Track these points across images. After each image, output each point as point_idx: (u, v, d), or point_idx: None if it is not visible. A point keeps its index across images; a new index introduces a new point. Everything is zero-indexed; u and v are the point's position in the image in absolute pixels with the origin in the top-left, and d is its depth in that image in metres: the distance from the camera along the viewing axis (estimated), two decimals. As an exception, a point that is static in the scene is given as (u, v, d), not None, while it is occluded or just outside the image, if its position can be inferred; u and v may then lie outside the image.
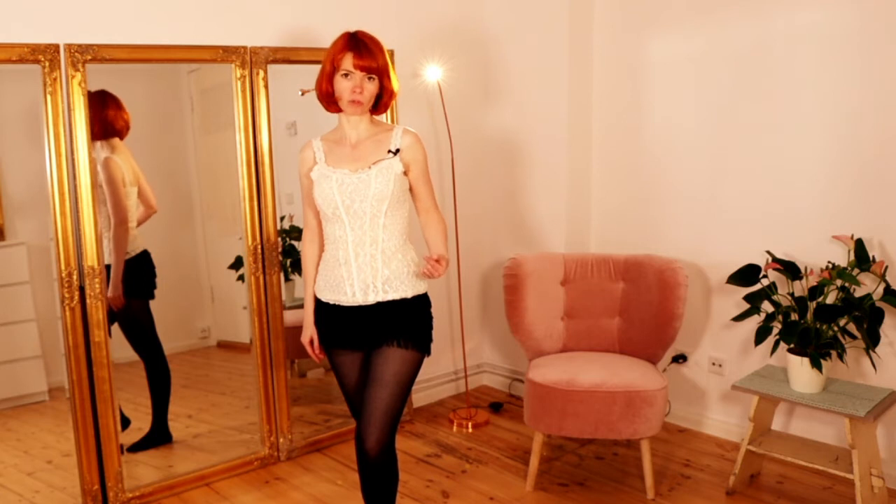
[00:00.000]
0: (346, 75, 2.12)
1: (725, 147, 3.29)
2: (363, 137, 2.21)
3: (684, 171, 3.44)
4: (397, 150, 2.18)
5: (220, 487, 3.09)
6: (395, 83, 2.20)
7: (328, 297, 2.25)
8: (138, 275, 3.10)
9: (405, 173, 2.20)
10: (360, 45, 2.12)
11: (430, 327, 2.29)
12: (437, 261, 2.08)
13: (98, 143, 2.94)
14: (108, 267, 2.90)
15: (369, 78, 2.13)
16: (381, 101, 2.20)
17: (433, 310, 2.32)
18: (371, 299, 2.18)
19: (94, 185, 2.74)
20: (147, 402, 3.20)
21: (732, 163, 3.27)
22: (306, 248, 2.35)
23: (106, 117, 2.93)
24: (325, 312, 2.27)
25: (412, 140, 2.21)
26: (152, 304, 3.16)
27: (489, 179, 4.07)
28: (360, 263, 2.17)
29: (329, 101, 2.19)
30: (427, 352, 2.27)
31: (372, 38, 2.15)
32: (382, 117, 2.35)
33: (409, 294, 2.21)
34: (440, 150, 3.78)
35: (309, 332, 2.33)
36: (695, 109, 3.38)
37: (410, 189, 2.25)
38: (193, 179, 3.36)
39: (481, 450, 3.42)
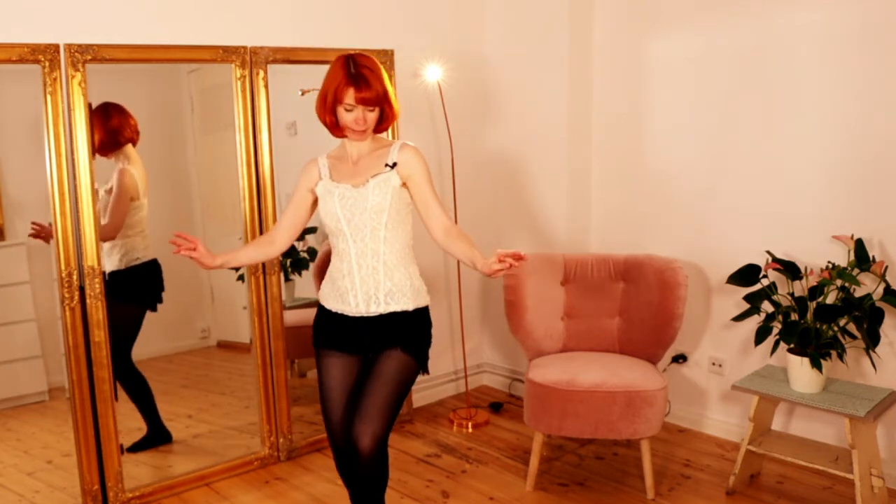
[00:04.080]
0: (348, 108, 2.14)
1: (725, 147, 3.29)
2: (364, 154, 2.25)
3: (684, 171, 3.44)
4: (394, 164, 2.20)
5: (220, 487, 3.09)
6: (396, 106, 2.22)
7: (333, 306, 2.28)
8: (141, 283, 3.09)
9: (404, 185, 2.21)
10: (360, 79, 2.11)
11: (429, 343, 2.31)
12: (515, 257, 1.99)
13: (112, 156, 2.93)
14: (111, 273, 2.90)
15: (370, 109, 2.16)
16: (382, 125, 2.23)
17: (433, 317, 2.34)
18: (373, 310, 2.22)
19: (94, 185, 2.73)
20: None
21: (732, 162, 3.27)
22: (259, 238, 2.45)
23: (111, 127, 2.92)
24: (329, 319, 2.30)
25: (410, 154, 2.22)
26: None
27: (489, 179, 4.06)
28: (363, 275, 2.21)
29: (333, 129, 2.22)
30: (423, 366, 2.30)
31: (370, 67, 2.14)
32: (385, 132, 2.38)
33: (410, 307, 2.24)
34: (440, 149, 3.78)
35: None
36: (695, 109, 3.38)
37: (416, 202, 2.24)
38: (193, 179, 3.36)
39: (481, 450, 3.42)
